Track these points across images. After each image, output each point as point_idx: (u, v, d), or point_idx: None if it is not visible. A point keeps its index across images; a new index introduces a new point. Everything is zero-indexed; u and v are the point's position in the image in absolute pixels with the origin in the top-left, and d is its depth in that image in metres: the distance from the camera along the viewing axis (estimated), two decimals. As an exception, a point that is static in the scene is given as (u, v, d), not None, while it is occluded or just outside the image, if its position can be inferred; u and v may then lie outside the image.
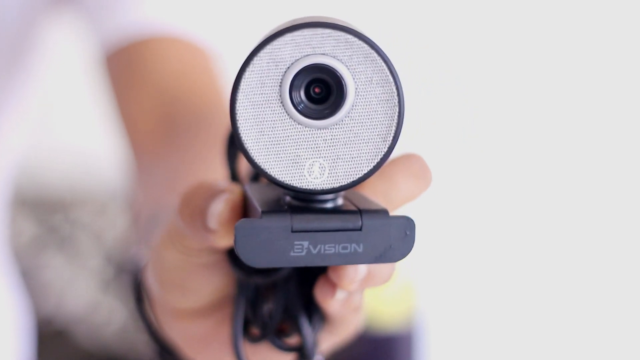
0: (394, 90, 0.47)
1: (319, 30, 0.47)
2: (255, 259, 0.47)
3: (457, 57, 1.84)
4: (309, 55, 0.47)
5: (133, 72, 0.83)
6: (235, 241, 0.47)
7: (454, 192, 1.85)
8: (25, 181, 1.79)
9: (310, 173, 0.48)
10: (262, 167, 0.47)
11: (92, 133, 1.83)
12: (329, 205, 0.49)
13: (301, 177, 0.48)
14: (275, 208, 0.48)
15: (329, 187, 0.48)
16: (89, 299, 1.73)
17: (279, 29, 0.47)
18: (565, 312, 1.85)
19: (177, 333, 0.57)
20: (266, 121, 0.48)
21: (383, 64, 0.47)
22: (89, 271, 1.74)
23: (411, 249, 0.49)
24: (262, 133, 0.48)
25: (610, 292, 1.85)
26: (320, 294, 0.52)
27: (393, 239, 0.48)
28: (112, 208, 1.77)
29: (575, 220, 1.85)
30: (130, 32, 0.83)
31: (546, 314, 1.85)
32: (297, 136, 0.48)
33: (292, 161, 0.48)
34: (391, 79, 0.47)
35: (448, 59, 1.85)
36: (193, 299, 0.55)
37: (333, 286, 0.52)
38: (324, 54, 0.47)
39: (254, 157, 0.47)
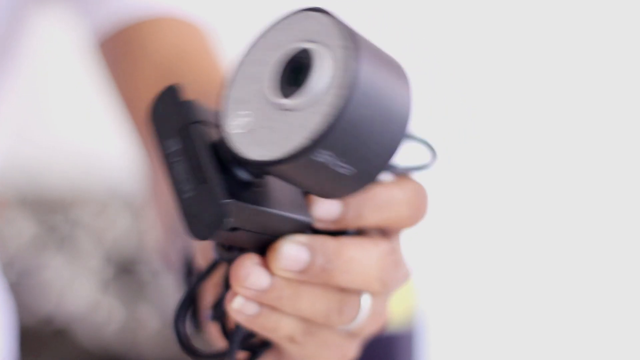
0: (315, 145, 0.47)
1: (348, 50, 0.47)
2: (153, 111, 0.51)
3: (457, 57, 1.84)
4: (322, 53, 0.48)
5: (131, 56, 0.81)
6: (160, 93, 0.50)
7: (454, 192, 1.84)
8: (25, 181, 1.79)
9: (233, 118, 0.49)
10: (226, 83, 0.50)
11: (92, 132, 1.83)
12: (246, 173, 0.50)
13: (226, 112, 0.49)
14: (206, 111, 0.51)
15: (225, 138, 0.49)
16: (89, 299, 1.73)
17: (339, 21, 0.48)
18: (565, 312, 1.85)
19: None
20: (254, 61, 0.50)
21: (342, 105, 0.46)
22: (89, 271, 1.74)
23: (202, 238, 0.48)
24: (252, 64, 0.50)
25: (610, 292, 1.85)
26: (227, 299, 0.52)
27: (206, 216, 0.48)
28: (112, 208, 1.77)
29: (575, 220, 1.85)
30: (124, 15, 0.81)
31: (546, 313, 1.85)
32: (255, 90, 0.49)
33: (236, 99, 0.49)
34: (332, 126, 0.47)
35: (448, 59, 1.85)
36: None
37: (234, 293, 0.51)
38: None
39: (232, 74, 0.50)
